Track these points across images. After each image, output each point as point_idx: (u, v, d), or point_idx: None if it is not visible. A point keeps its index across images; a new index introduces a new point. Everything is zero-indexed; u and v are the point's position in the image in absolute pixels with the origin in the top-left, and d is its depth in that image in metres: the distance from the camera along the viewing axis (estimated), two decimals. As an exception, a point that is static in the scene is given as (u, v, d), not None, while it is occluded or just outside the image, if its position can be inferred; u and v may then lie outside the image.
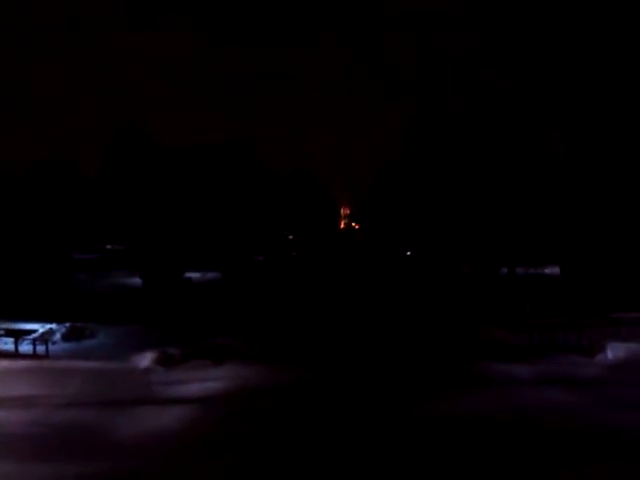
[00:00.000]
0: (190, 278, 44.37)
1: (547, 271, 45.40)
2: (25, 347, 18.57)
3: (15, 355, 18.21)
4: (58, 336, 20.20)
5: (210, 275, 47.43)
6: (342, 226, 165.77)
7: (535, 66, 35.98)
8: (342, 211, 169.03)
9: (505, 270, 43.19)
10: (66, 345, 19.79)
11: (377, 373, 16.00)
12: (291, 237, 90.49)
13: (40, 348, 18.46)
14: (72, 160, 59.22)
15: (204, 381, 14.79)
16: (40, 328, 19.84)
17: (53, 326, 20.50)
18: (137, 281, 41.24)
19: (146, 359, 16.91)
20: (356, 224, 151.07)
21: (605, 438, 10.52)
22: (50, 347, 18.75)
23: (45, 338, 19.02)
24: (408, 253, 68.80)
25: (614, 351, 17.56)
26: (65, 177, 57.12)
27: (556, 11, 33.93)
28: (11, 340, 18.86)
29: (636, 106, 30.90)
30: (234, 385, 14.52)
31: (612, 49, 31.35)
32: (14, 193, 51.21)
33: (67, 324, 21.16)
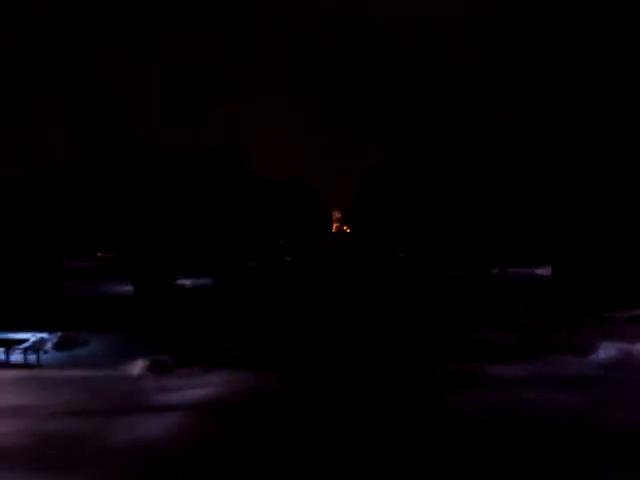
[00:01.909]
0: (182, 285, 44.29)
1: (538, 271, 45.50)
2: (16, 356, 18.47)
3: (6, 365, 18.12)
4: (49, 345, 20.06)
5: (202, 281, 47.33)
6: (334, 229, 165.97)
7: (525, 69, 35.97)
8: (334, 214, 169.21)
9: (497, 271, 43.28)
10: (58, 354, 19.64)
11: (370, 376, 16.00)
12: (283, 242, 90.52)
13: (31, 357, 18.35)
14: (62, 166, 59.08)
15: (196, 388, 14.75)
16: (31, 337, 19.69)
17: (44, 335, 20.35)
18: (129, 289, 41.10)
19: (138, 367, 16.85)
20: (347, 227, 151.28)
21: (600, 437, 10.55)
22: (42, 356, 18.62)
23: (36, 347, 18.88)
24: (400, 255, 68.91)
25: (606, 351, 17.61)
26: (56, 184, 56.96)
27: (549, 10, 34.02)
28: (2, 350, 18.74)
29: (629, 107, 31.05)
30: (226, 392, 14.49)
31: (604, 49, 31.52)
32: (3, 200, 51.03)
33: (58, 333, 21.01)
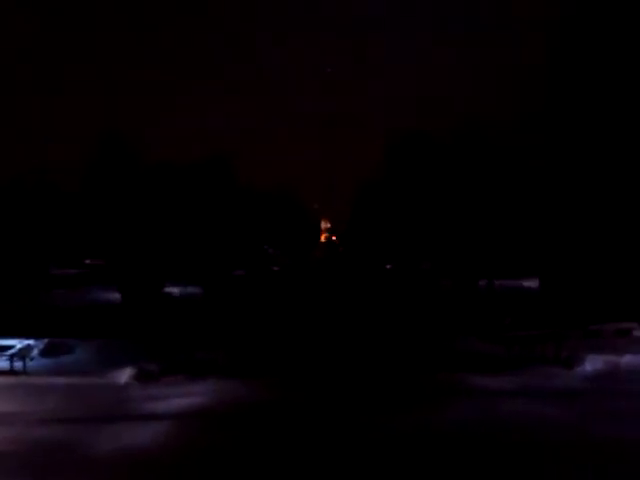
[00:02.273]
0: (170, 293, 44.20)
1: (525, 284, 45.64)
2: (2, 363, 18.36)
3: (-8, 372, 18.06)
4: (36, 352, 19.92)
5: (190, 290, 47.26)
6: (323, 239, 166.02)
7: (514, 82, 36.17)
8: (323, 224, 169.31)
9: (484, 282, 43.39)
10: (44, 361, 19.53)
11: (357, 387, 16.02)
12: (271, 251, 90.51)
13: (18, 364, 18.25)
14: (50, 174, 59.01)
15: (182, 397, 14.73)
16: (18, 344, 19.54)
17: (31, 342, 20.20)
18: (116, 296, 40.99)
19: (124, 375, 16.81)
20: (336, 238, 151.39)
21: (586, 448, 10.61)
22: (28, 363, 18.51)
23: (23, 354, 18.75)
24: (388, 266, 69.01)
25: (593, 363, 17.70)
26: (44, 191, 56.83)
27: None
28: (-12, 357, 18.68)
29: (617, 119, 31.26)
30: (213, 400, 14.48)
31: (590, 55, 31.75)
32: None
33: (45, 340, 20.89)
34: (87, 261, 61.13)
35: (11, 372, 17.92)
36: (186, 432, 12.02)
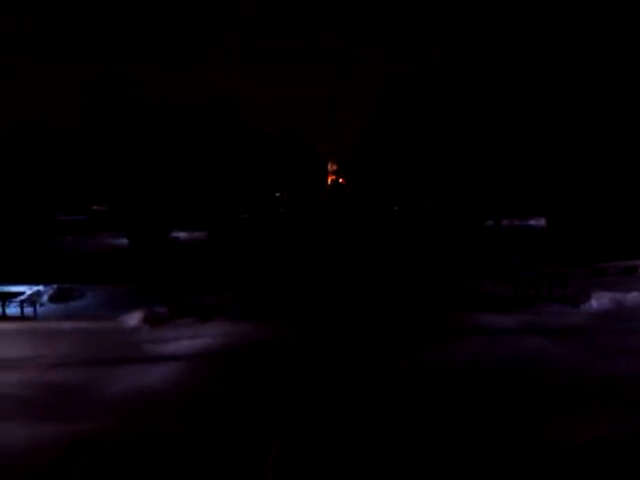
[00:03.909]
0: (177, 237, 44.31)
1: (533, 223, 45.56)
2: (12, 309, 18.56)
3: (3, 317, 18.25)
4: (45, 298, 20.12)
5: (197, 234, 47.36)
6: (329, 182, 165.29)
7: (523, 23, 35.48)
8: (329, 167, 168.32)
9: (491, 223, 43.29)
10: (54, 306, 19.72)
11: (365, 326, 16.11)
12: (278, 194, 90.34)
13: (28, 310, 18.45)
14: (55, 118, 58.84)
15: (192, 338, 14.89)
16: (27, 290, 19.72)
17: (40, 288, 20.39)
18: (124, 242, 41.14)
19: (134, 318, 16.95)
20: (343, 180, 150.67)
21: (594, 384, 10.72)
22: (38, 309, 18.71)
23: (32, 300, 18.93)
24: (395, 208, 68.84)
25: (599, 300, 17.74)
26: (49, 137, 56.51)
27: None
28: (-1, 303, 18.88)
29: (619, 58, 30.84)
30: (222, 342, 14.62)
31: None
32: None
33: (54, 286, 21.07)
34: (94, 207, 61.15)
35: (22, 318, 18.11)
36: (196, 372, 12.17)
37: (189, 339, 14.82)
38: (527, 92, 35.40)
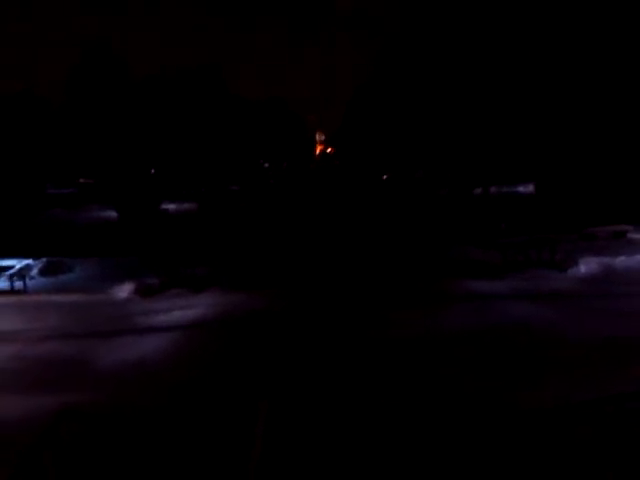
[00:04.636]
0: (167, 209, 44.22)
1: (521, 189, 45.67)
2: (2, 283, 18.53)
3: (-7, 292, 18.24)
4: (35, 271, 20.08)
5: (186, 206, 47.26)
6: (318, 152, 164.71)
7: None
8: (317, 136, 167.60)
9: (480, 190, 43.36)
10: (44, 280, 19.69)
11: (355, 294, 16.19)
12: (267, 165, 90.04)
13: (17, 284, 18.42)
14: (41, 90, 58.28)
15: (183, 309, 14.92)
16: (17, 264, 19.68)
17: (30, 261, 20.35)
18: (112, 214, 41.02)
19: (125, 290, 16.96)
20: (331, 149, 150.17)
21: (580, 347, 10.85)
22: (27, 282, 18.67)
23: (22, 274, 18.88)
24: (384, 177, 68.79)
25: (586, 265, 17.86)
26: (36, 110, 56.04)
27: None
28: (-12, 277, 18.85)
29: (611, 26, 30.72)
30: (213, 312, 14.67)
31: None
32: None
33: (44, 259, 21.03)
34: (81, 180, 60.87)
35: (11, 292, 18.09)
36: (187, 343, 12.23)
37: (180, 310, 14.85)
38: (517, 58, 35.23)
